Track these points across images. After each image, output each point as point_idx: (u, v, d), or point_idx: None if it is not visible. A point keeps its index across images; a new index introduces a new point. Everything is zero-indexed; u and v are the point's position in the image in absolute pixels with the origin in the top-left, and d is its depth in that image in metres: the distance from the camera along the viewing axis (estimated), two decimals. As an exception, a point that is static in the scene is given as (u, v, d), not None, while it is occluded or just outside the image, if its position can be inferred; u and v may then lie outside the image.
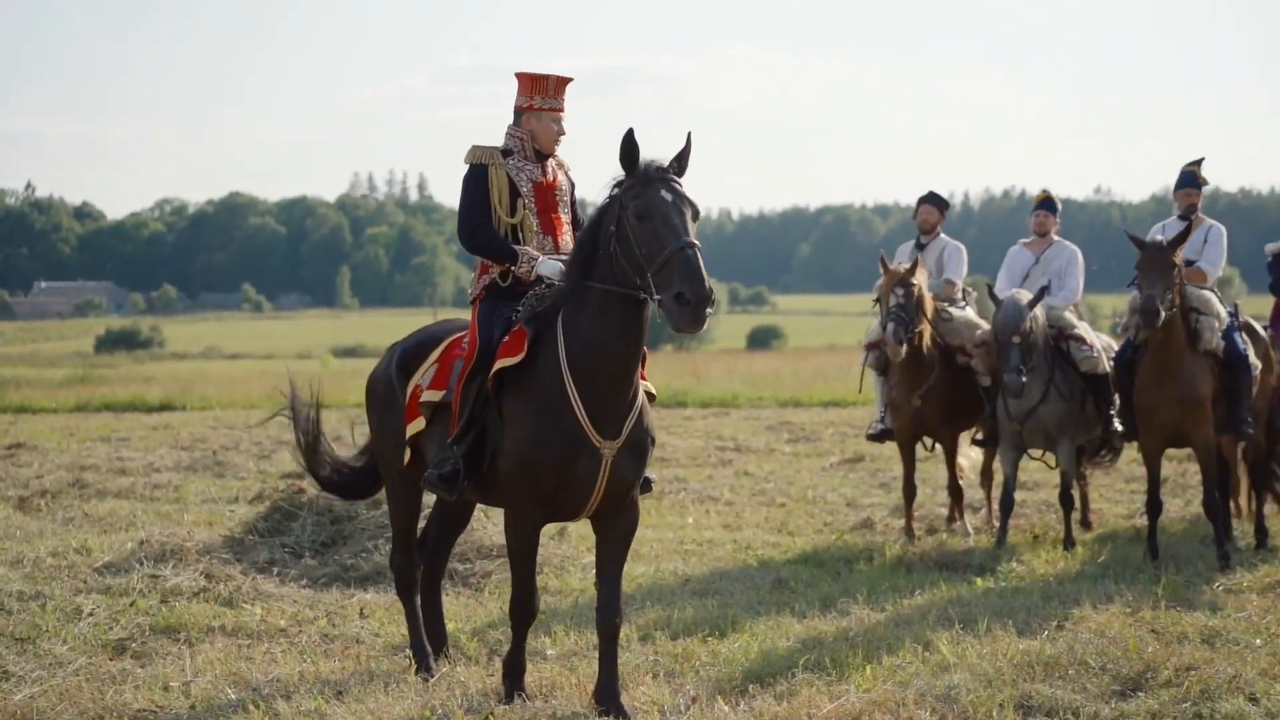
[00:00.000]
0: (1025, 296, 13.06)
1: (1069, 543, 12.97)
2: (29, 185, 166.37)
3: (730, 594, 11.21)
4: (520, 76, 8.76)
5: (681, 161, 7.99)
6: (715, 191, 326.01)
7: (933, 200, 14.58)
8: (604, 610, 8.29)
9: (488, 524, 12.44)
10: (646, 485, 8.62)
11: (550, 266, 8.50)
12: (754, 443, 22.23)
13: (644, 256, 7.67)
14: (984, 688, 8.23)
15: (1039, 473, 14.24)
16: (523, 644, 8.47)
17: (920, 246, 14.44)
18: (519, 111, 8.75)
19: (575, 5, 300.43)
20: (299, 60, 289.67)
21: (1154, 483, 12.61)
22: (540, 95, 8.71)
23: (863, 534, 14.02)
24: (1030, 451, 13.70)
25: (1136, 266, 12.15)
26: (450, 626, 10.02)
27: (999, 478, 14.07)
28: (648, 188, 7.80)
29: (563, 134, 8.79)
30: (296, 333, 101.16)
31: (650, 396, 8.52)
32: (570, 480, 8.07)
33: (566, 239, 8.75)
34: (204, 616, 10.21)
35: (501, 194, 8.64)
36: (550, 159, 8.81)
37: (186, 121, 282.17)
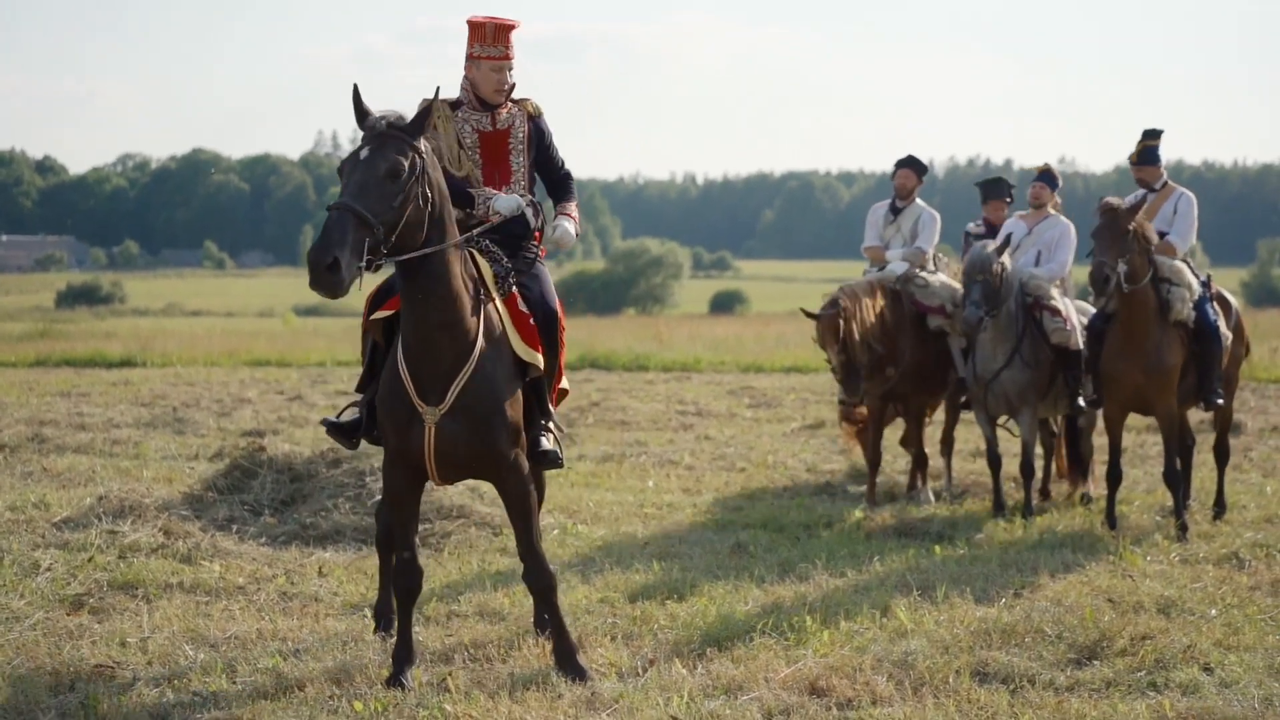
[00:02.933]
0: (992, 245, 13.10)
1: (1028, 511, 13.03)
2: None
3: (689, 558, 11.23)
4: (468, 24, 8.56)
5: (418, 119, 7.56)
6: (679, 156, 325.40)
7: (910, 164, 14.54)
8: (526, 575, 8.26)
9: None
10: (552, 460, 8.32)
11: (506, 202, 8.36)
12: (715, 407, 22.25)
13: None
14: (941, 654, 8.28)
15: (1004, 441, 14.23)
16: (408, 621, 8.10)
17: (895, 211, 14.44)
18: (467, 60, 8.55)
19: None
20: (264, 17, 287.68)
21: (1115, 451, 12.65)
22: (479, 43, 8.49)
23: (823, 500, 14.06)
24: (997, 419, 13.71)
25: (1091, 234, 12.19)
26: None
27: (962, 447, 14.14)
28: (359, 144, 7.52)
29: (507, 83, 8.52)
30: (259, 291, 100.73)
31: (564, 394, 8.59)
32: (404, 443, 7.87)
33: (519, 184, 8.57)
34: (162, 573, 10.19)
35: (450, 146, 8.46)
36: (504, 108, 8.56)
37: (150, 77, 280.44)
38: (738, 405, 22.70)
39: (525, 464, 8.11)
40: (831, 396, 21.15)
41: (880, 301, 13.68)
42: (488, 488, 12.98)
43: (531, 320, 8.21)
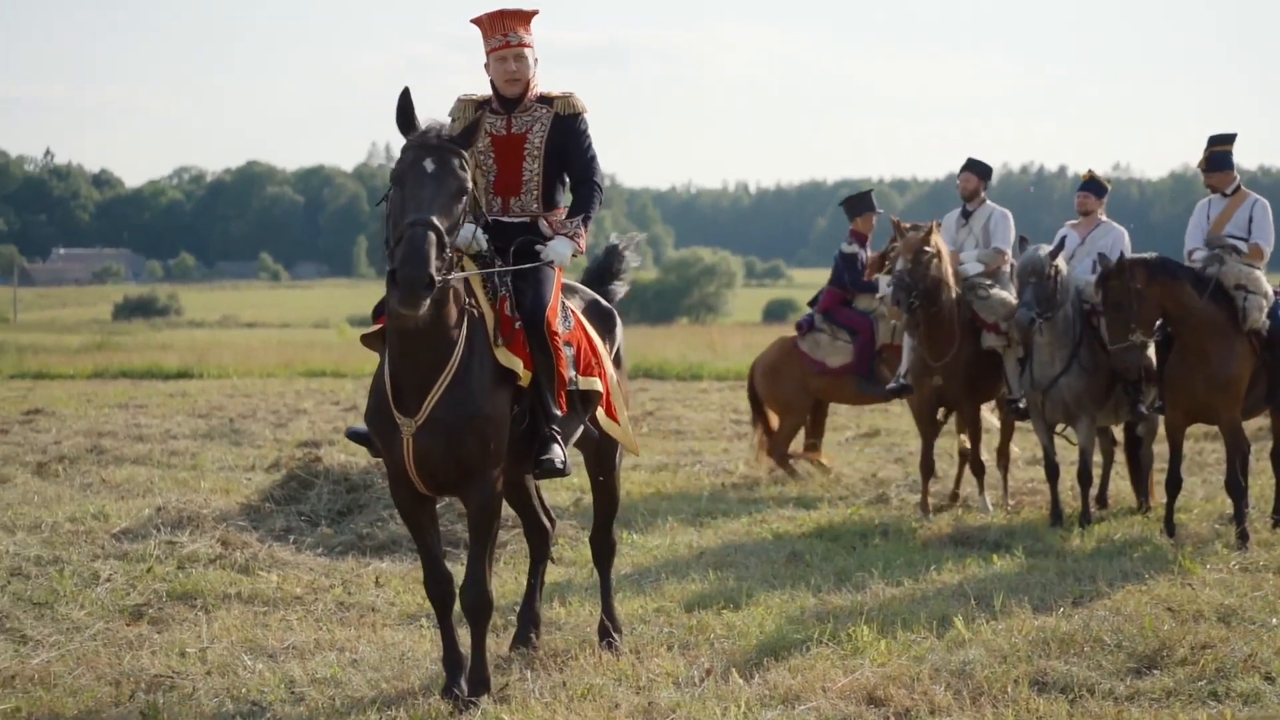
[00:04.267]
0: (1045, 248, 13.05)
1: (1085, 519, 12.95)
2: (48, 152, 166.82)
3: (745, 567, 11.21)
4: (474, 23, 8.29)
5: (468, 133, 7.42)
6: (731, 165, 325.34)
7: (972, 167, 14.56)
8: (463, 592, 7.86)
9: (533, 486, 12.42)
10: (558, 469, 7.99)
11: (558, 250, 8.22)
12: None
13: (391, 226, 7.24)
14: (999, 664, 8.23)
15: (1061, 450, 14.18)
16: (449, 629, 7.87)
17: (966, 214, 14.46)
18: (487, 59, 8.27)
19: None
20: (316, 29, 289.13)
21: (1175, 460, 12.54)
22: (486, 37, 8.19)
23: (878, 508, 14.02)
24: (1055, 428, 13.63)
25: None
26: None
27: (1017, 456, 14.10)
28: (411, 151, 7.29)
29: (518, 73, 8.17)
30: (313, 302, 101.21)
31: (596, 395, 8.33)
32: (391, 455, 7.72)
33: (530, 193, 8.27)
34: (220, 583, 10.24)
35: None
36: (526, 108, 8.23)
37: (205, 90, 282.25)
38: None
39: (498, 484, 7.79)
40: (883, 407, 21.08)
41: (956, 287, 13.67)
42: (545, 494, 12.99)
43: (516, 324, 7.87)
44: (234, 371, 32.65)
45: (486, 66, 8.24)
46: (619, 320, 8.89)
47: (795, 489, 15.22)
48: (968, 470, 14.46)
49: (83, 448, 17.10)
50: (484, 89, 8.38)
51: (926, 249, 13.50)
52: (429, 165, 7.21)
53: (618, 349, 8.90)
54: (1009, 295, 13.86)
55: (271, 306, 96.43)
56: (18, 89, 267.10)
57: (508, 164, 8.21)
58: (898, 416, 21.01)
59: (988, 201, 14.56)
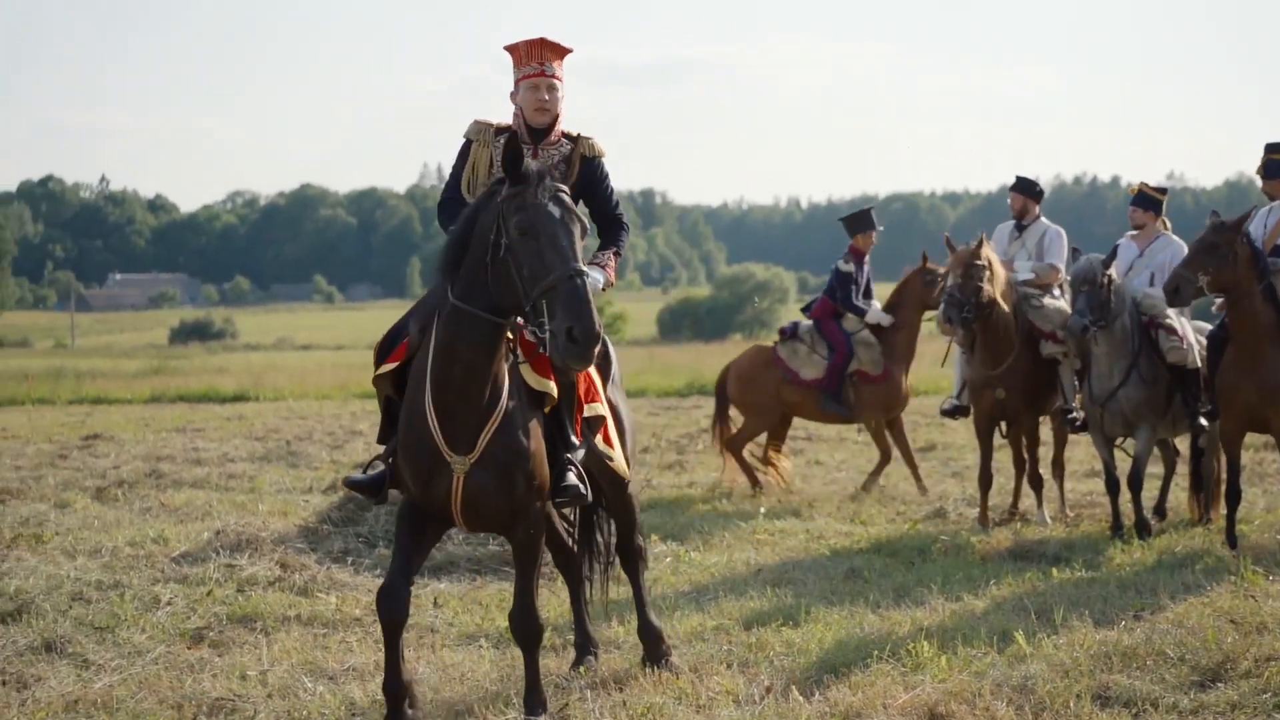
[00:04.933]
0: (1099, 257, 12.97)
1: (1141, 529, 12.86)
2: (103, 179, 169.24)
3: (803, 584, 11.18)
4: (506, 50, 8.17)
5: (569, 166, 7.40)
6: (782, 180, 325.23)
7: (1018, 188, 14.52)
8: (513, 621, 7.84)
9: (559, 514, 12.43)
10: (574, 495, 7.83)
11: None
12: (825, 432, 22.15)
13: (525, 277, 6.95)
14: (1061, 678, 8.18)
15: (1120, 463, 14.09)
16: (393, 652, 7.62)
17: (1020, 228, 14.43)
18: (515, 87, 8.13)
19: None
20: (367, 53, 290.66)
21: (1233, 469, 12.44)
22: (518, 65, 8.05)
23: (936, 523, 13.95)
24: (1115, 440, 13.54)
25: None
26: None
27: (1072, 468, 14.04)
28: (533, 198, 7.05)
29: (549, 104, 8.02)
30: (367, 324, 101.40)
31: (598, 420, 8.06)
32: (431, 492, 7.55)
33: None
34: (280, 606, 10.28)
35: (476, 173, 8.06)
36: (553, 143, 8.06)
37: (258, 114, 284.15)
38: (848, 429, 22.56)
39: (543, 517, 7.89)
40: (940, 421, 21.01)
41: (1010, 297, 13.63)
42: (601, 514, 12.99)
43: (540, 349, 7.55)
44: (290, 394, 32.79)
45: (514, 95, 8.12)
46: (611, 347, 8.59)
47: (851, 505, 15.17)
48: (1025, 483, 14.40)
49: (141, 472, 17.20)
50: (501, 117, 8.25)
51: (977, 262, 13.46)
52: (556, 211, 7.04)
53: (614, 375, 8.72)
54: (1063, 304, 13.80)
55: (326, 329, 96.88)
56: (73, 117, 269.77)
57: None
58: (954, 431, 20.94)
59: (1042, 218, 14.52)
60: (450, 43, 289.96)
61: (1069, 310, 13.48)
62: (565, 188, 7.20)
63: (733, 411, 16.72)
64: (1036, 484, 14.14)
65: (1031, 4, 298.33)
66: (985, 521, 13.76)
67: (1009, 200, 14.62)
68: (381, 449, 8.07)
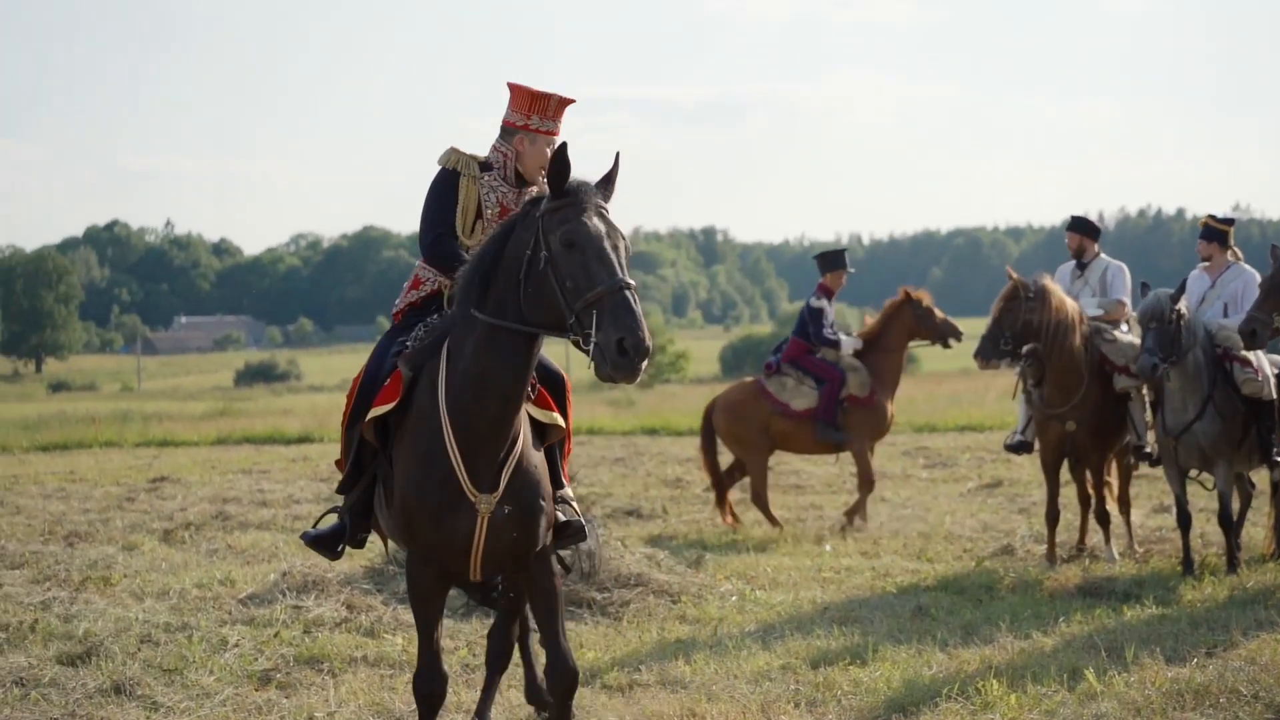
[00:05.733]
0: (1167, 293, 12.88)
1: (1232, 566, 12.71)
2: (169, 223, 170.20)
3: (870, 622, 11.12)
4: (517, 90, 7.79)
5: (609, 185, 7.05)
6: (844, 216, 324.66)
7: (1074, 227, 14.45)
8: (553, 669, 7.32)
9: (624, 553, 12.45)
10: (579, 532, 7.68)
11: None
12: (890, 469, 22.06)
13: (569, 290, 6.71)
14: (1132, 716, 8.11)
15: (1199, 498, 13.95)
16: None
17: (1081, 266, 14.36)
18: (509, 129, 7.76)
19: (691, 35, 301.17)
20: (425, 93, 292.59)
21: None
22: (539, 115, 7.71)
23: (1003, 560, 13.85)
24: (1189, 473, 13.40)
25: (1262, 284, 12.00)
26: (590, 656, 10.06)
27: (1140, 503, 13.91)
28: (578, 212, 6.83)
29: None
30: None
31: (557, 431, 7.55)
32: (447, 536, 7.14)
33: None
34: (347, 647, 10.29)
35: (467, 210, 7.68)
36: (533, 188, 7.71)
37: (320, 157, 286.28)
38: (912, 466, 22.51)
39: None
40: (1006, 456, 20.88)
41: (1081, 329, 13.55)
42: (665, 554, 12.99)
43: (537, 383, 7.48)
44: (354, 435, 32.84)
45: (521, 140, 7.73)
46: (568, 382, 8.05)
47: (917, 542, 15.09)
48: (1093, 519, 14.28)
49: (208, 514, 17.29)
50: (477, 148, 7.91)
51: (1019, 296, 13.47)
52: (601, 225, 6.83)
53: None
54: (1135, 338, 13.70)
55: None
56: (139, 162, 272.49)
57: None
58: (1019, 467, 20.81)
59: (1102, 255, 14.44)
60: (503, 85, 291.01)
61: (1138, 344, 13.40)
62: (607, 205, 7.00)
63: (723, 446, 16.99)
64: (1104, 520, 14.02)
65: (1091, 37, 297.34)
66: (1053, 558, 13.66)
67: (1066, 240, 14.57)
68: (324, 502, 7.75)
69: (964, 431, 28.67)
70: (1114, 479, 14.62)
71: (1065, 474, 14.22)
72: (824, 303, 16.81)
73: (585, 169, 7.00)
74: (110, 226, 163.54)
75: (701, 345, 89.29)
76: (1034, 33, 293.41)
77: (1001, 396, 27.50)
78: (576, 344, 6.69)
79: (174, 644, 10.27)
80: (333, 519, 7.81)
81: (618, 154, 7.10)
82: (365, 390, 7.52)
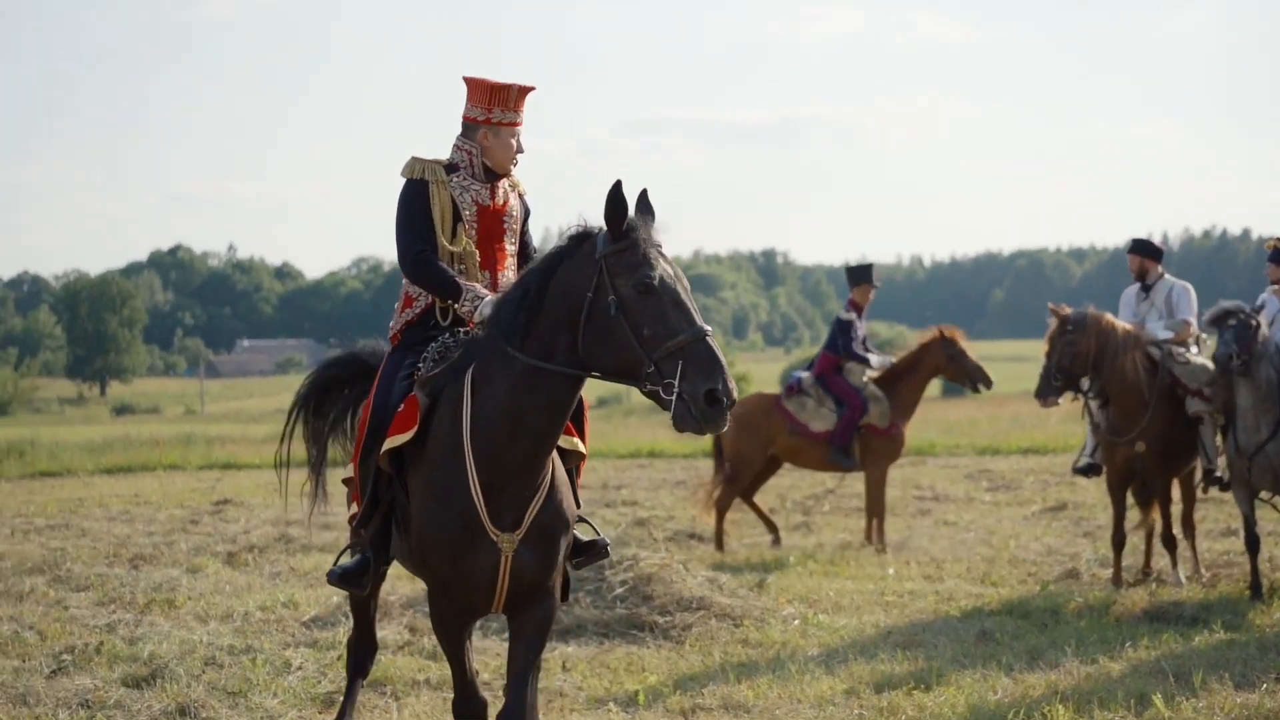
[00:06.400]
0: (1241, 302, 12.83)
1: None
2: (231, 247, 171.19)
3: (934, 646, 11.05)
4: (474, 83, 7.53)
5: (653, 219, 6.74)
6: (905, 238, 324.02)
7: (1136, 250, 14.34)
8: (509, 713, 6.93)
9: (687, 575, 12.43)
10: (601, 551, 7.53)
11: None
12: (953, 491, 21.95)
13: (646, 337, 6.46)
14: (1202, 743, 8.01)
15: (1268, 521, 13.82)
16: None
17: (1146, 288, 14.26)
18: (471, 124, 7.51)
19: (750, 58, 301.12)
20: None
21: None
22: (500, 107, 7.46)
23: (1068, 584, 13.75)
24: (1261, 495, 13.26)
25: None
26: (652, 680, 10.04)
27: (1204, 526, 13.78)
28: (645, 256, 6.57)
29: (520, 151, 7.54)
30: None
31: (579, 456, 7.36)
32: (466, 574, 6.89)
33: (509, 273, 7.53)
34: (409, 669, 10.30)
35: (444, 216, 7.39)
36: (503, 179, 7.56)
37: (381, 181, 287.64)
38: (976, 489, 22.38)
39: None
40: (1070, 479, 20.74)
41: (1136, 354, 13.46)
42: (727, 577, 12.96)
43: None
44: (416, 457, 32.91)
45: (483, 134, 7.50)
46: (585, 404, 7.73)
47: (981, 566, 14.99)
48: (1159, 543, 14.16)
49: (271, 537, 17.36)
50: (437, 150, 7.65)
51: (1065, 333, 13.45)
52: (669, 268, 6.61)
53: None
54: (1207, 360, 13.60)
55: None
56: (201, 187, 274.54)
57: (490, 236, 7.54)
58: (1084, 490, 20.66)
59: (1166, 275, 14.32)
60: (572, 108, 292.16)
61: (1213, 368, 13.30)
62: (661, 243, 6.71)
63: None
64: (1170, 544, 13.90)
65: (1154, 57, 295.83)
66: (1119, 582, 13.54)
67: (1128, 262, 14.47)
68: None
69: (1028, 454, 28.51)
70: (1179, 502, 14.50)
71: (1131, 499, 14.11)
72: (853, 316, 16.99)
73: (638, 190, 6.80)
74: (174, 251, 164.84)
75: (762, 367, 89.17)
76: (1096, 53, 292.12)
77: (1065, 419, 27.33)
78: (653, 394, 6.45)
79: (238, 666, 10.31)
80: (351, 555, 7.59)
81: (644, 191, 6.77)
82: (377, 418, 7.30)
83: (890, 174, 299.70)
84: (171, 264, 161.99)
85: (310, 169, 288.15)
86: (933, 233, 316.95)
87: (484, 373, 6.84)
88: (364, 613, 8.38)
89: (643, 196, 6.78)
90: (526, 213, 7.70)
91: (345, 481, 7.73)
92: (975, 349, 17.29)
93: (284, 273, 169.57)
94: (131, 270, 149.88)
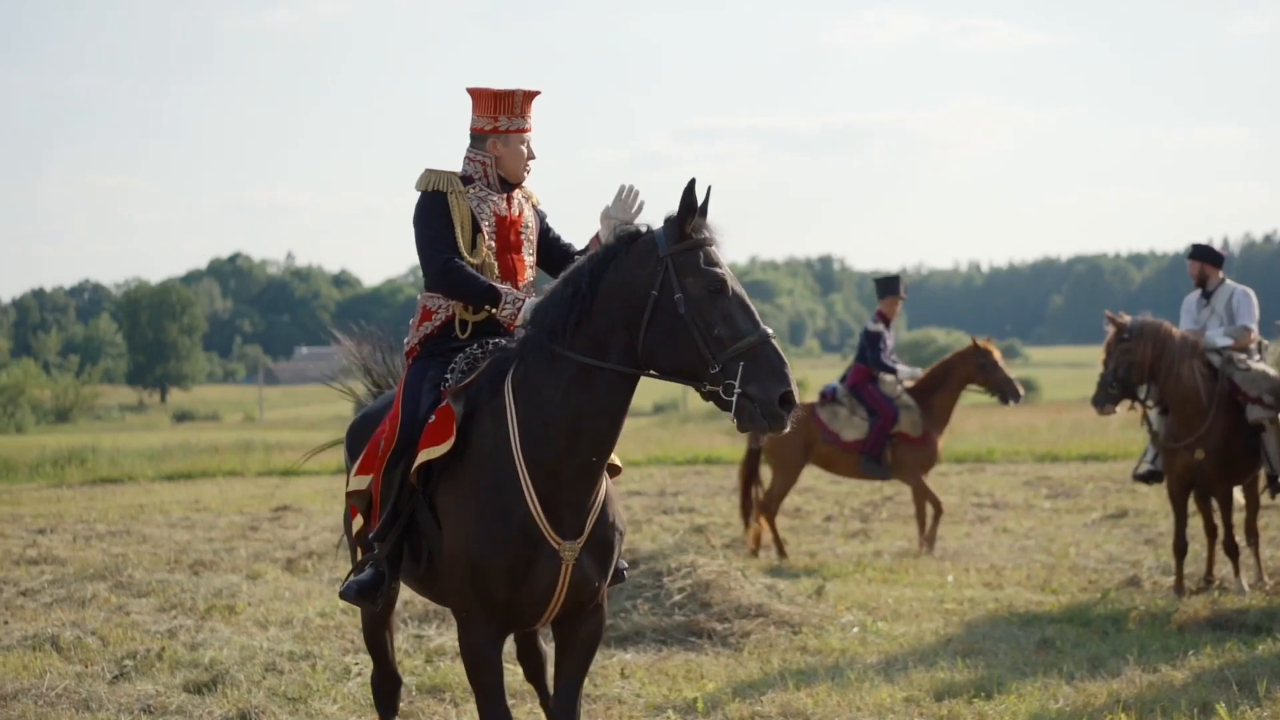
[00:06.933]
0: None
1: None
2: (289, 255, 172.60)
3: (994, 654, 10.99)
4: (478, 93, 7.37)
5: (705, 219, 6.64)
6: (962, 244, 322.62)
7: (1196, 255, 14.23)
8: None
9: (745, 582, 12.40)
10: (619, 575, 7.26)
11: None
12: (1012, 498, 21.84)
13: (714, 338, 6.39)
14: (1267, 753, 7.94)
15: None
16: None
17: (1207, 294, 14.16)
18: (480, 135, 7.36)
19: (810, 64, 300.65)
20: (548, 126, 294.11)
21: None
22: (506, 115, 7.29)
23: (1130, 592, 13.65)
24: None
25: None
26: (711, 687, 10.02)
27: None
28: (709, 255, 6.54)
29: (532, 158, 7.38)
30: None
31: (614, 469, 7.15)
32: (525, 589, 6.69)
33: (528, 286, 7.37)
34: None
35: (464, 227, 7.19)
36: (516, 190, 7.40)
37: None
38: (1035, 496, 22.25)
39: None
40: (1131, 486, 20.62)
41: (1194, 362, 13.36)
42: (785, 584, 12.93)
43: None
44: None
45: (492, 143, 7.34)
46: None
47: (1041, 573, 14.91)
48: (1221, 551, 14.04)
49: (330, 543, 17.42)
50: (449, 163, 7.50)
51: (1123, 340, 13.37)
52: (730, 270, 6.57)
53: None
54: (1269, 368, 13.50)
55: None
56: (260, 195, 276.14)
57: (507, 247, 7.35)
58: (1144, 497, 20.52)
59: (1227, 281, 14.20)
60: (629, 116, 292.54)
61: (1275, 375, 13.21)
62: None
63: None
64: (1232, 551, 13.78)
65: (1216, 62, 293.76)
66: (1181, 589, 13.44)
67: (1188, 268, 14.37)
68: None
69: (1087, 461, 28.33)
70: (1243, 509, 14.38)
71: (1192, 506, 14.01)
72: (880, 327, 17.19)
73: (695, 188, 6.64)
74: (233, 259, 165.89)
75: (818, 374, 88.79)
76: (1157, 57, 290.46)
77: (1125, 425, 27.14)
78: (712, 394, 6.38)
79: (298, 672, 10.35)
80: (361, 571, 7.22)
81: (709, 188, 6.63)
82: (407, 430, 7.01)
83: (948, 179, 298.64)
84: (231, 272, 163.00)
85: (368, 177, 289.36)
86: (991, 238, 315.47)
87: (528, 378, 6.69)
88: (380, 646, 8.14)
89: (705, 197, 6.67)
90: (542, 220, 7.54)
91: (351, 495, 7.44)
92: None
93: (342, 280, 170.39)
94: (191, 278, 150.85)
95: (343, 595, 7.17)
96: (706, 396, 6.44)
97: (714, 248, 6.57)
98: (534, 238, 7.43)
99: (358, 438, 7.76)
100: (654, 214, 6.81)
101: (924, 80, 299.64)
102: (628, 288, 6.57)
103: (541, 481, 6.61)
